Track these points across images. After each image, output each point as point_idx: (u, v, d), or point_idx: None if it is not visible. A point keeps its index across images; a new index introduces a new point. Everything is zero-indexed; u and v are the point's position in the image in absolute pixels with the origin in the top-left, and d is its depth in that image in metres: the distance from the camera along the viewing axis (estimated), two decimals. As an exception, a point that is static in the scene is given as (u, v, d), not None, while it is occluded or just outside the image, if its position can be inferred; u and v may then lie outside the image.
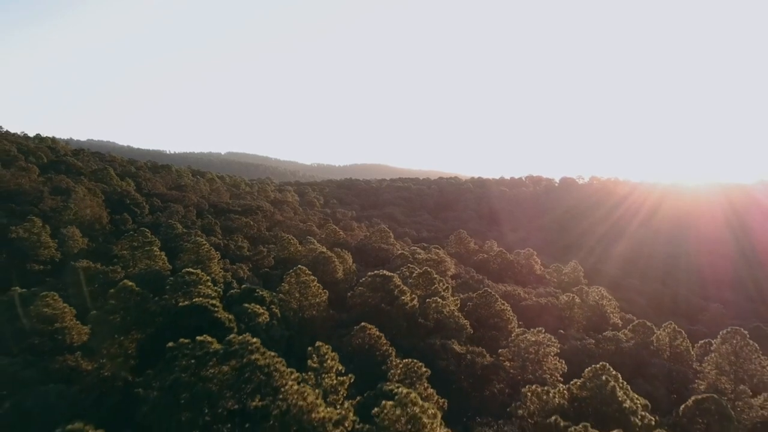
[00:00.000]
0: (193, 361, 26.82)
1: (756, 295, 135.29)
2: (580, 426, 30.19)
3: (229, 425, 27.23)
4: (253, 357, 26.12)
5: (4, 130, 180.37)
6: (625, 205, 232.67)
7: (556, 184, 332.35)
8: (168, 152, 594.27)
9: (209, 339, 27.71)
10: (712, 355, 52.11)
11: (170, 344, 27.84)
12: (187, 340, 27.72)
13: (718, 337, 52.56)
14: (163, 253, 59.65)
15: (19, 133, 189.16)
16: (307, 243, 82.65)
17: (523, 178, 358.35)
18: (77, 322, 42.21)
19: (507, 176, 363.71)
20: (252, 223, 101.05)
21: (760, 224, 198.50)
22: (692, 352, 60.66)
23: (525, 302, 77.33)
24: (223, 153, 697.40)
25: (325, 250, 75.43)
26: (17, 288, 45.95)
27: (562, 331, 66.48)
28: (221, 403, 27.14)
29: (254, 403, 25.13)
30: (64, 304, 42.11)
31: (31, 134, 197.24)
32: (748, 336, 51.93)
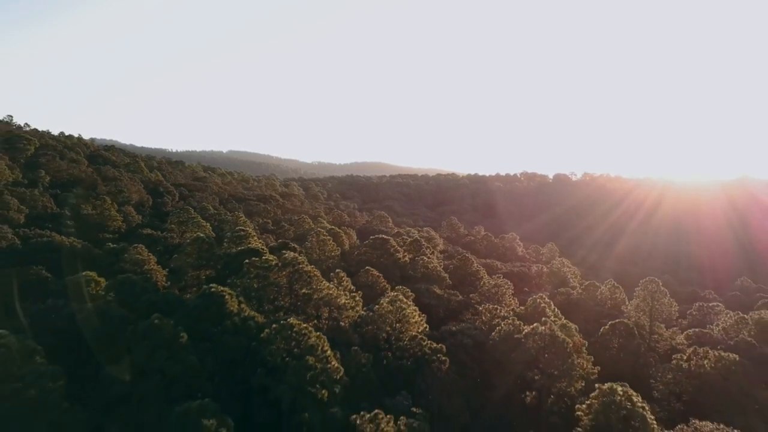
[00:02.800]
0: (261, 270, 42.47)
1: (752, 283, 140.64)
2: (511, 318, 45.89)
3: (282, 312, 42.97)
4: (300, 266, 41.76)
5: (31, 128, 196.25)
6: (620, 200, 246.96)
7: (550, 180, 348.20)
8: (171, 150, 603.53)
9: (271, 258, 43.37)
10: (634, 298, 67.76)
11: (246, 261, 43.43)
12: (256, 258, 43.35)
13: (639, 284, 68.23)
14: (208, 224, 75.20)
15: (42, 130, 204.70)
16: (319, 223, 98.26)
17: (518, 175, 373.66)
18: (159, 266, 57.80)
19: (502, 173, 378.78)
20: (268, 208, 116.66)
21: (749, 217, 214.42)
22: (627, 303, 76.09)
23: (500, 271, 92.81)
24: (224, 151, 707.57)
25: (334, 227, 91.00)
26: (110, 244, 61.68)
27: (526, 288, 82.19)
28: (278, 301, 42.93)
29: (302, 291, 40.79)
30: (149, 253, 57.72)
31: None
32: (660, 284, 67.56)
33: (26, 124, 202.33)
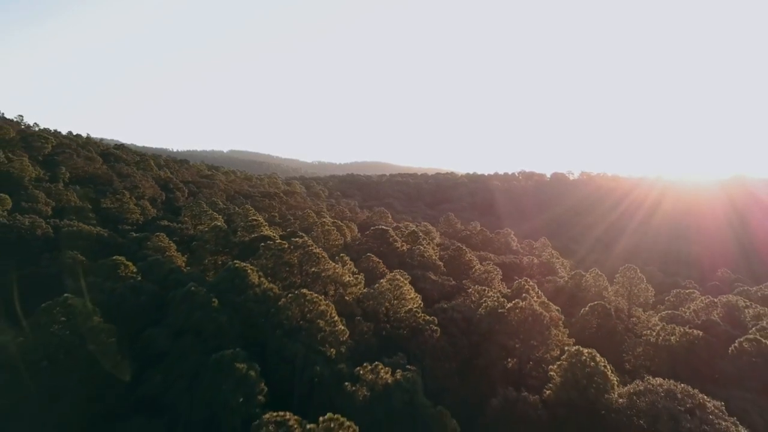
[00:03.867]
0: (275, 252, 48.21)
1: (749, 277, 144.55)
2: (495, 296, 51.61)
3: (293, 289, 48.65)
4: (310, 248, 47.50)
5: (40, 127, 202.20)
6: (619, 199, 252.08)
7: (548, 179, 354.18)
8: (172, 150, 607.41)
9: (283, 242, 49.11)
10: (614, 284, 73.48)
11: (262, 244, 49.16)
12: (270, 242, 49.08)
13: (619, 271, 73.97)
14: (220, 216, 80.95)
15: (54, 130, 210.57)
16: (322, 217, 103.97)
17: (516, 174, 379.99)
18: (178, 252, 63.56)
19: (501, 172, 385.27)
20: (274, 204, 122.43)
21: (748, 215, 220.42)
22: (609, 289, 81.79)
23: (493, 261, 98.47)
24: (225, 151, 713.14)
25: (336, 221, 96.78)
26: (133, 233, 67.42)
27: (516, 277, 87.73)
28: (290, 279, 48.67)
29: (312, 269, 46.55)
30: (169, 240, 63.49)
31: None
32: (638, 271, 73.31)
33: (35, 123, 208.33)
